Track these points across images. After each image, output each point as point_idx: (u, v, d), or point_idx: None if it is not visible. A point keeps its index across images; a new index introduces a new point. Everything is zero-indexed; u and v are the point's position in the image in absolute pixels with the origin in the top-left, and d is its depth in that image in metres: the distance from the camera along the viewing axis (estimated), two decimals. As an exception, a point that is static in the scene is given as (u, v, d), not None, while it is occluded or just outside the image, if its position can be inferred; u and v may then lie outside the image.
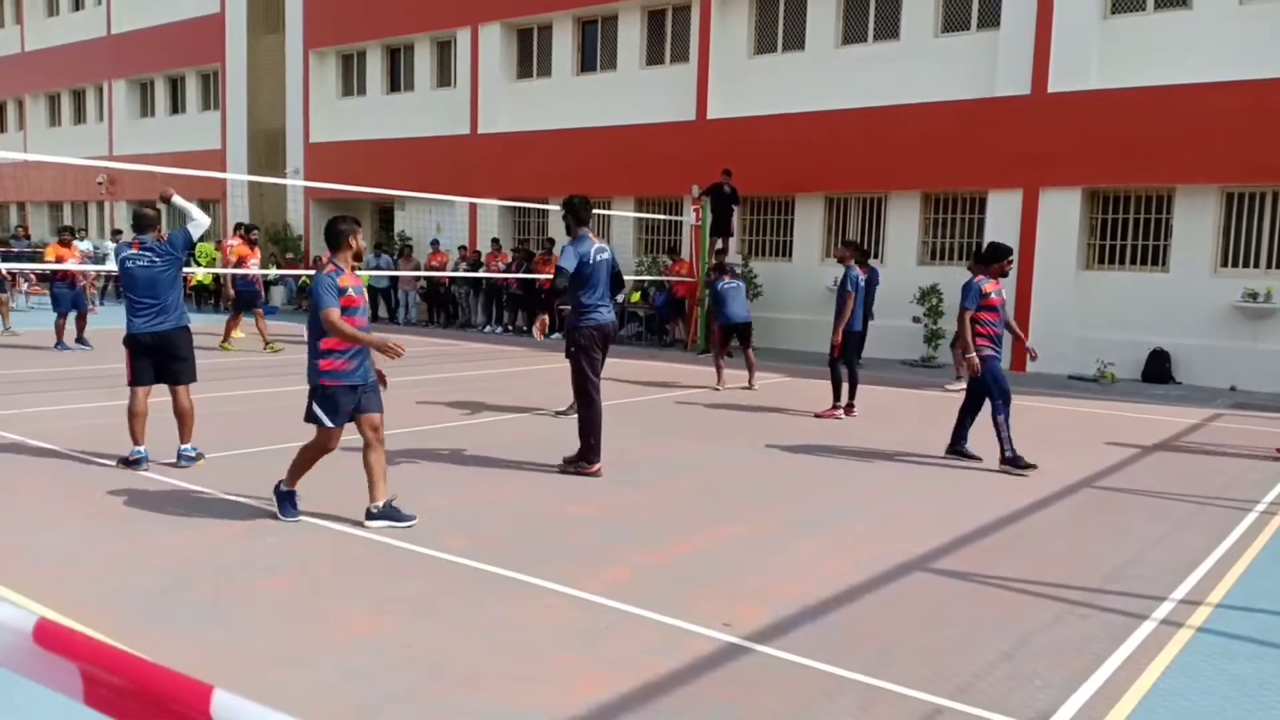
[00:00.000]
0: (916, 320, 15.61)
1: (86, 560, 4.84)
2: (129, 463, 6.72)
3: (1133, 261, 14.62)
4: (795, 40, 17.59)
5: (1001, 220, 15.09)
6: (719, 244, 16.01)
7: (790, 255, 17.89)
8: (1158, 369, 13.84)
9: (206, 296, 23.05)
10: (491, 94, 21.46)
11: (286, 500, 5.62)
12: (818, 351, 14.39)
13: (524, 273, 18.48)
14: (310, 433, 5.62)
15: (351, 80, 24.81)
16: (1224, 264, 13.90)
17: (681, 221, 18.71)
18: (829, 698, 3.53)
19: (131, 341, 6.76)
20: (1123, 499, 6.90)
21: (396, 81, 23.87)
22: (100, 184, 29.64)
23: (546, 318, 7.74)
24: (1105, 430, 9.84)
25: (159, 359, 6.80)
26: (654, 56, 19.50)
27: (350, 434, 5.64)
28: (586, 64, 20.55)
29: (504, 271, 19.28)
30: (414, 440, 8.02)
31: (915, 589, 4.81)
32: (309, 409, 5.51)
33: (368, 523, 5.51)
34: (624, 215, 19.27)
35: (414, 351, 5.70)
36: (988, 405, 7.73)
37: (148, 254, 6.74)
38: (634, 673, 3.67)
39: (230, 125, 27.12)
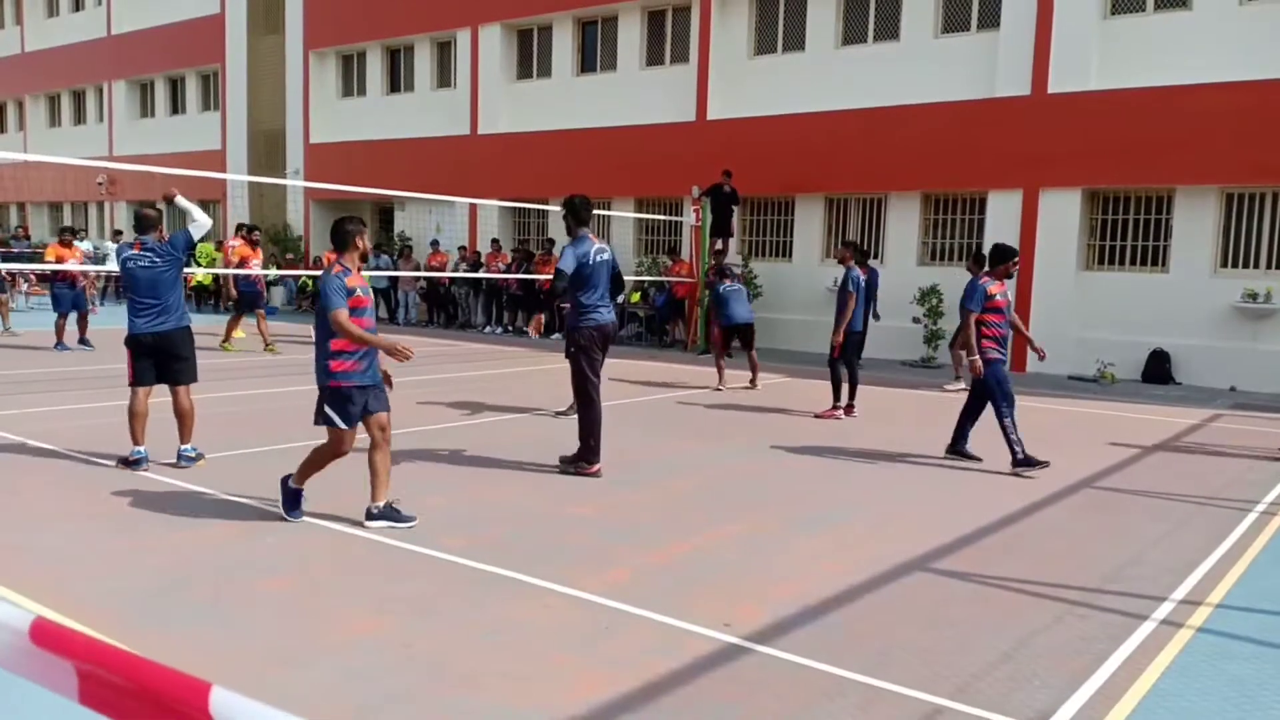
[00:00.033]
0: (916, 321, 15.61)
1: (86, 560, 4.84)
2: (129, 463, 6.72)
3: (1133, 262, 14.62)
4: (795, 41, 17.60)
5: (1001, 221, 15.09)
6: (718, 244, 16.01)
7: (790, 256, 17.89)
8: (1158, 369, 13.85)
9: (206, 297, 23.05)
10: (491, 94, 21.47)
11: (293, 499, 5.60)
12: (817, 352, 14.39)
13: (524, 273, 18.49)
14: (316, 434, 5.61)
15: (351, 81, 24.81)
16: (1224, 264, 13.90)
17: (681, 222, 18.71)
18: (829, 698, 3.53)
19: (133, 342, 6.77)
20: (1122, 499, 6.90)
21: (396, 82, 23.87)
22: (100, 184, 29.65)
23: (542, 316, 7.75)
24: (1105, 430, 9.84)
25: (160, 359, 6.80)
26: (654, 57, 19.50)
27: (360, 432, 5.64)
28: (586, 64, 20.56)
29: (504, 272, 19.28)
30: (414, 440, 8.02)
31: (915, 589, 4.81)
32: (320, 411, 5.48)
33: (368, 523, 5.51)
34: (624, 216, 19.28)
35: (414, 352, 5.69)
36: (990, 408, 7.72)
37: (149, 254, 6.74)
38: (634, 673, 3.67)
39: (230, 126, 27.13)
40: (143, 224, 6.94)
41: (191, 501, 6.00)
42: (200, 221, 6.92)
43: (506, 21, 21.20)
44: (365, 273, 5.72)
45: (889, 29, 16.53)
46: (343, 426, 5.44)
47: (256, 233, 15.95)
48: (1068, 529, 6.09)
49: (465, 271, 19.84)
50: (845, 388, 10.29)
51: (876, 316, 13.37)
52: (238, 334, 15.08)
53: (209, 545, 5.13)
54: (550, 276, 8.31)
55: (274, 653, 3.80)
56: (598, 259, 7.10)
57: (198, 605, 4.26)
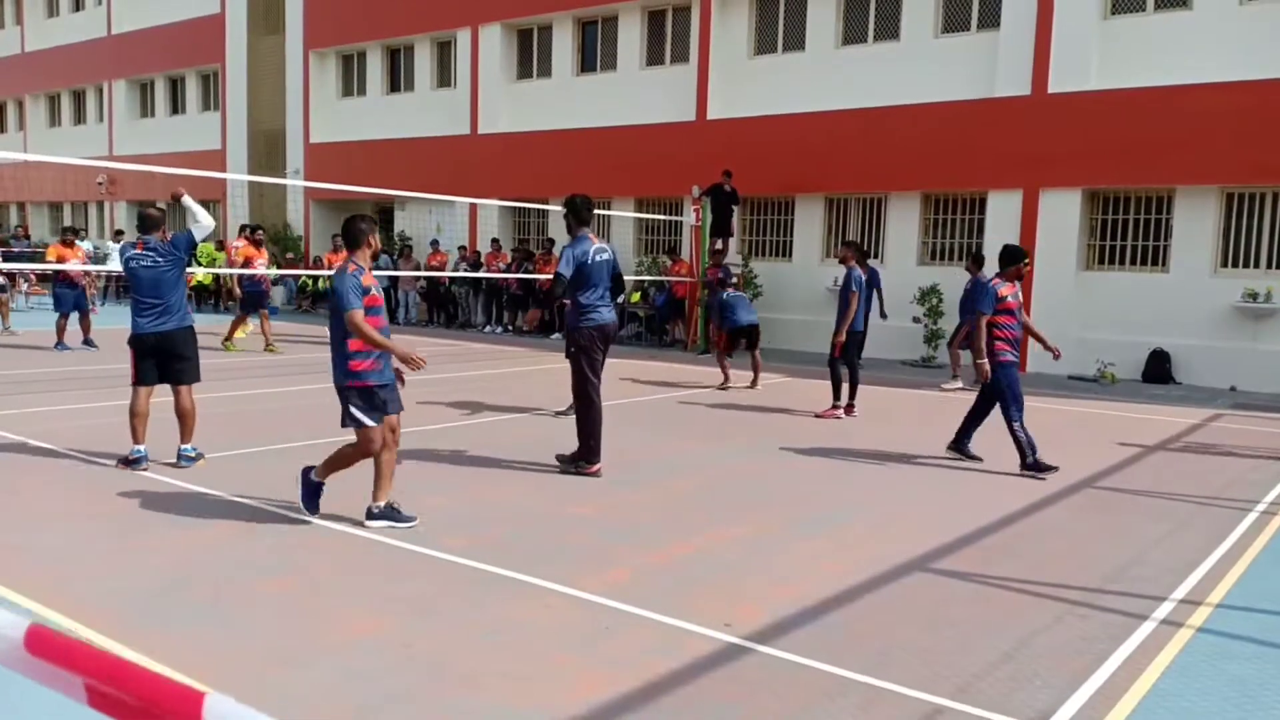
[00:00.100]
0: (916, 320, 15.61)
1: (86, 560, 4.84)
2: (129, 462, 6.72)
3: (1133, 262, 14.62)
4: (795, 41, 17.60)
5: (1001, 221, 15.09)
6: (718, 244, 16.03)
7: (790, 256, 17.89)
8: (1158, 369, 13.84)
9: (206, 296, 23.06)
10: (491, 94, 21.47)
11: (313, 492, 5.57)
12: (818, 351, 14.39)
13: (524, 273, 18.49)
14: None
15: (351, 81, 24.81)
16: (1224, 264, 13.90)
17: (681, 222, 18.71)
18: (829, 698, 3.53)
19: (136, 341, 6.78)
20: (1123, 499, 6.90)
21: (396, 82, 23.87)
22: (100, 184, 29.65)
23: (538, 311, 7.76)
24: (1105, 430, 9.84)
25: (163, 359, 6.80)
26: (654, 57, 19.50)
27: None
28: (586, 64, 20.56)
29: (504, 272, 19.28)
30: (414, 440, 8.02)
31: (915, 589, 4.81)
32: (346, 413, 5.45)
33: (368, 522, 5.51)
34: (624, 215, 19.28)
35: (427, 361, 5.70)
36: (997, 411, 7.69)
37: (151, 254, 6.75)
38: (634, 673, 3.67)
39: (230, 126, 27.13)
40: (146, 224, 6.95)
41: (192, 501, 6.00)
42: (203, 223, 6.92)
43: (506, 21, 21.20)
44: (365, 272, 5.70)
45: (889, 29, 16.53)
46: (372, 425, 5.43)
47: (260, 232, 15.97)
48: (1068, 529, 6.09)
49: (465, 271, 19.84)
50: (845, 387, 10.30)
51: (884, 315, 13.40)
52: (239, 334, 15.08)
53: (209, 545, 5.13)
54: (550, 277, 8.31)
55: (274, 653, 3.79)
56: (597, 259, 7.09)
57: (198, 605, 4.26)
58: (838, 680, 3.67)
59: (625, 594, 4.53)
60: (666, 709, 3.42)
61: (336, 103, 24.89)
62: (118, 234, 24.46)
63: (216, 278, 22.29)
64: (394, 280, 20.85)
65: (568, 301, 7.25)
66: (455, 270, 19.96)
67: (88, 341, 14.19)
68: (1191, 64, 13.53)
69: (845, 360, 10.25)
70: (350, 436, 5.59)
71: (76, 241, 15.79)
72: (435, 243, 21.03)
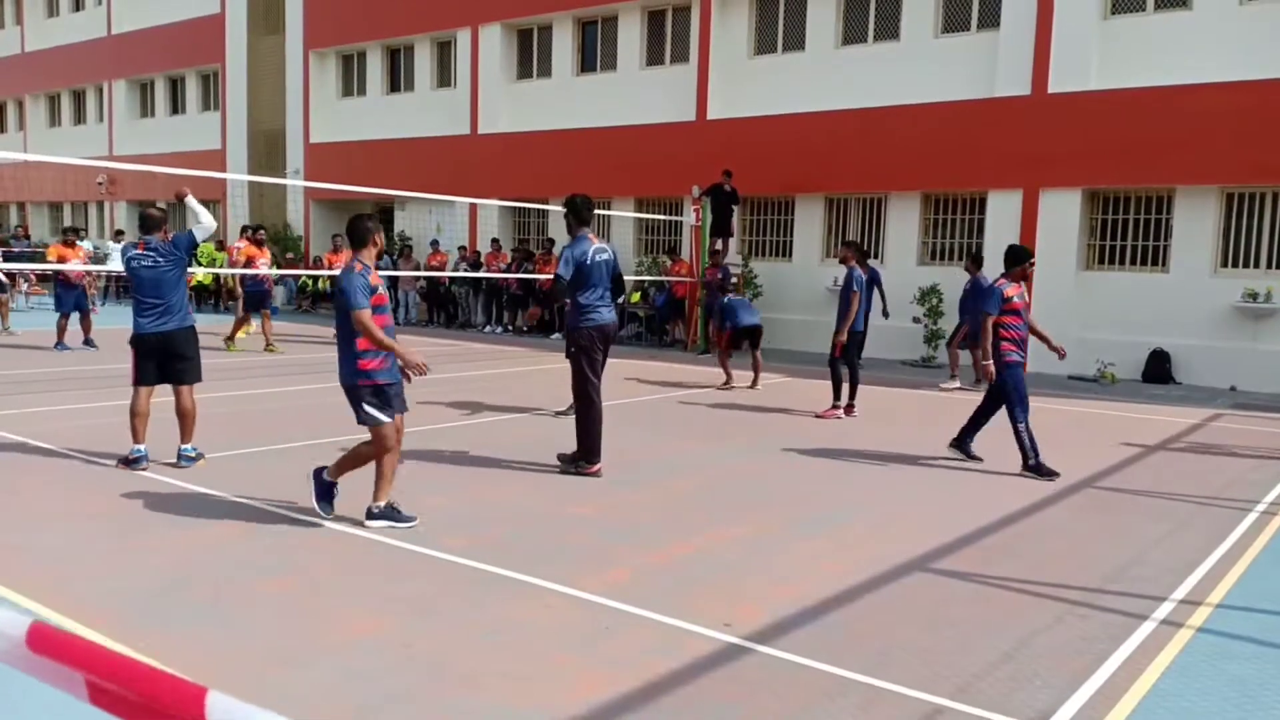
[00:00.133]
0: (916, 320, 15.61)
1: (86, 560, 4.84)
2: (128, 462, 6.73)
3: (1133, 262, 14.62)
4: (795, 41, 17.59)
5: (1001, 221, 15.09)
6: (717, 244, 16.03)
7: (790, 255, 17.89)
8: (1158, 369, 13.84)
9: (206, 296, 23.06)
10: (491, 94, 21.47)
11: (325, 495, 5.56)
12: (818, 352, 14.40)
13: (524, 273, 18.49)
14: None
15: (351, 81, 24.81)
16: (1224, 264, 13.90)
17: (681, 222, 18.71)
18: (829, 698, 3.53)
19: (138, 341, 6.79)
20: (1123, 499, 6.90)
21: (396, 82, 23.87)
22: (100, 184, 29.65)
23: (538, 309, 7.77)
24: (1105, 430, 9.84)
25: (164, 359, 6.81)
26: (654, 57, 19.50)
27: (363, 432, 5.63)
28: (586, 64, 20.56)
29: (504, 272, 19.28)
30: (414, 440, 8.01)
31: (915, 589, 4.81)
32: (361, 411, 5.45)
33: (368, 522, 5.51)
34: (624, 215, 19.28)
35: (429, 369, 5.71)
36: (1003, 413, 7.68)
37: (152, 254, 6.75)
38: (634, 673, 3.67)
39: (230, 126, 27.13)
40: (147, 224, 6.95)
41: (192, 501, 6.00)
42: (205, 224, 6.92)
43: (506, 21, 21.20)
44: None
45: (889, 29, 16.53)
46: (388, 419, 5.44)
47: (261, 232, 15.97)
48: (1068, 529, 6.09)
49: (465, 271, 19.85)
50: (846, 388, 10.30)
51: (886, 314, 13.41)
52: (241, 334, 15.09)
53: (209, 545, 5.13)
54: (549, 277, 8.31)
55: (274, 653, 3.80)
56: (597, 259, 7.08)
57: (198, 605, 4.26)
58: (838, 680, 3.67)
59: (625, 594, 4.53)
60: (666, 709, 3.42)
61: (336, 103, 24.89)
62: (118, 234, 24.47)
63: (216, 278, 22.30)
64: (394, 280, 20.85)
65: (568, 302, 7.25)
66: (455, 270, 19.97)
67: (88, 342, 14.20)
68: (1191, 64, 13.53)
69: (845, 360, 10.26)
70: (363, 435, 5.59)
71: (77, 241, 15.79)
72: (435, 243, 21.04)
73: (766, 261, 18.08)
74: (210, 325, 15.68)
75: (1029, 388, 7.75)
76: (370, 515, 5.52)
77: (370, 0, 23.23)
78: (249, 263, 14.77)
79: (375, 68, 23.99)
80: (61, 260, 14.61)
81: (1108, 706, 3.52)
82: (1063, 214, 14.70)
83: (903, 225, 16.51)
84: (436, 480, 6.77)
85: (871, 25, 16.75)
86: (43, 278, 20.92)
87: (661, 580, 4.80)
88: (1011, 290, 7.63)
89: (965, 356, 13.22)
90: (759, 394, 11.69)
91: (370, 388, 5.41)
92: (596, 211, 7.83)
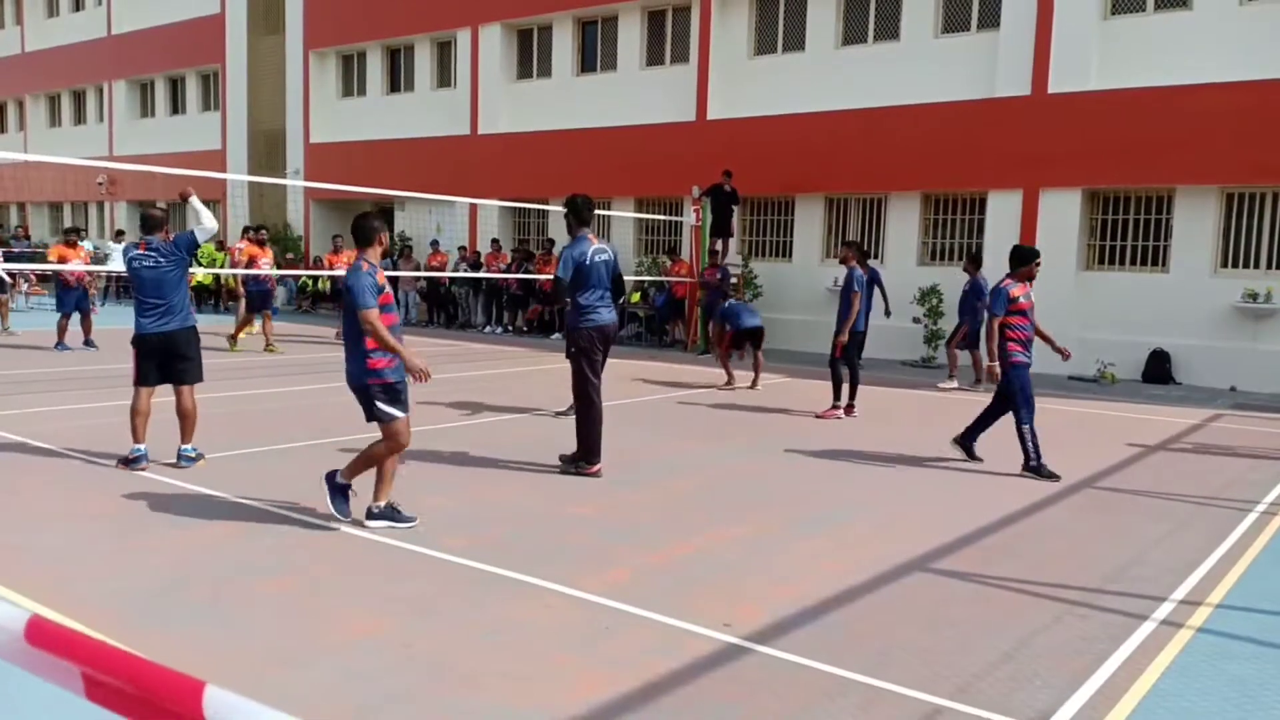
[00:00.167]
0: (916, 321, 15.61)
1: (86, 560, 4.84)
2: (128, 461, 6.73)
3: (1133, 262, 14.62)
4: (795, 41, 17.60)
5: (1001, 221, 15.09)
6: (717, 245, 16.03)
7: (790, 256, 17.89)
8: (1158, 369, 13.84)
9: (206, 296, 23.05)
10: (491, 94, 21.47)
11: (340, 495, 5.54)
12: (818, 352, 14.39)
13: (524, 273, 18.49)
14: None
15: (351, 81, 24.81)
16: (1224, 264, 13.90)
17: (681, 222, 18.71)
18: (829, 698, 3.53)
19: (139, 341, 6.79)
20: (1123, 499, 6.90)
21: (396, 82, 23.87)
22: (100, 184, 29.66)
23: (538, 307, 7.76)
24: (1105, 431, 9.84)
25: (165, 359, 6.81)
26: (654, 57, 19.50)
27: (365, 432, 5.64)
28: (586, 64, 20.56)
29: (504, 272, 19.28)
30: (414, 440, 7.96)
31: (915, 589, 4.81)
32: (372, 409, 5.45)
33: (368, 522, 5.51)
34: (624, 216, 19.28)
35: (432, 376, 5.72)
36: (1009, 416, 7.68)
37: (153, 254, 6.75)
38: (634, 673, 3.67)
39: (230, 126, 27.14)
40: (148, 224, 6.96)
41: (192, 501, 6.00)
42: (206, 225, 6.92)
43: (506, 21, 21.20)
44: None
45: (889, 29, 16.53)
46: (401, 415, 5.45)
47: (263, 232, 15.98)
48: (1068, 529, 6.09)
49: (465, 271, 19.85)
50: (846, 388, 10.30)
51: (888, 313, 13.42)
52: (242, 334, 15.08)
53: (209, 545, 5.13)
54: (549, 277, 8.31)
55: (274, 653, 3.80)
56: (597, 259, 7.08)
57: (198, 605, 4.26)
58: (838, 680, 3.67)
59: (625, 594, 4.53)
60: (666, 709, 3.42)
61: (336, 103, 24.90)
62: (118, 234, 24.48)
63: (217, 278, 22.30)
64: (394, 280, 20.85)
65: (568, 302, 7.25)
66: (455, 270, 19.97)
67: (88, 342, 14.20)
68: (1191, 64, 13.53)
69: (845, 360, 10.26)
70: (366, 434, 5.58)
71: (79, 242, 15.79)
72: (435, 243, 21.03)
73: (766, 262, 18.08)
74: (211, 325, 15.69)
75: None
76: (370, 515, 5.52)
77: (370, 0, 23.23)
78: (251, 263, 14.78)
79: (375, 68, 23.99)
80: (62, 260, 14.61)
81: (1108, 706, 3.52)
82: (1063, 214, 14.70)
83: (903, 225, 16.51)
84: (436, 480, 6.77)
85: (871, 25, 16.75)
86: (43, 278, 20.92)
87: (661, 580, 4.80)
88: (1018, 290, 7.60)
89: (964, 357, 13.23)
90: (759, 394, 11.69)
91: (381, 386, 5.42)
92: (596, 212, 7.82)
